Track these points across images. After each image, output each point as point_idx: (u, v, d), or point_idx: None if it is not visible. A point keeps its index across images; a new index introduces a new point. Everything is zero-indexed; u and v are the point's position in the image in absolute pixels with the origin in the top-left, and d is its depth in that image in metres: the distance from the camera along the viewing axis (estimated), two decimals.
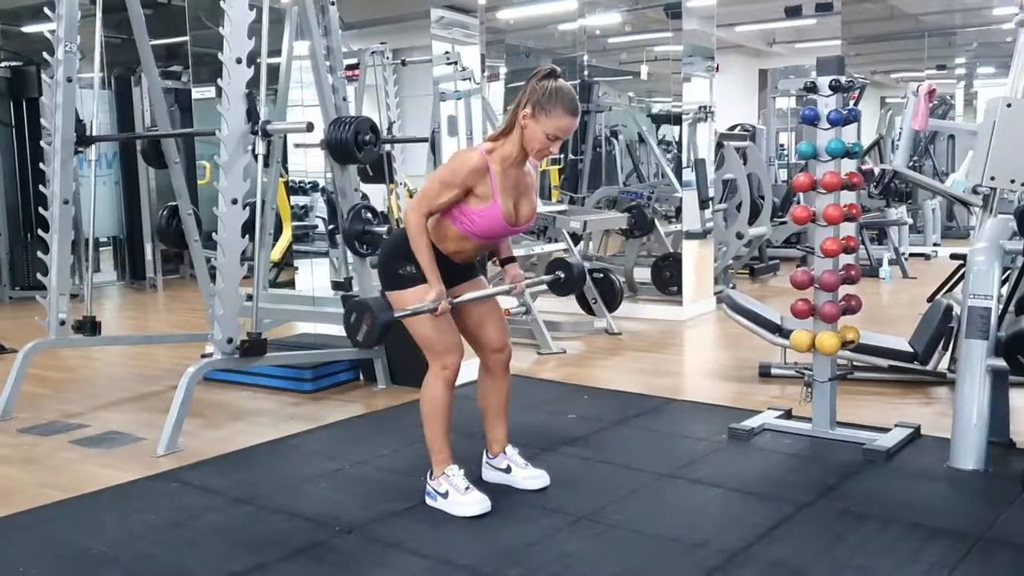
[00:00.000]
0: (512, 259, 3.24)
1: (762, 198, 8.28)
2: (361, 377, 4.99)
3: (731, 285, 7.84)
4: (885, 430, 3.71)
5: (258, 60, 4.09)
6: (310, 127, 4.12)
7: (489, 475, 3.28)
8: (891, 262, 8.73)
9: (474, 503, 3.00)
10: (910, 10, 12.55)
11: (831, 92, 3.58)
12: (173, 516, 3.08)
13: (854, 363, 4.72)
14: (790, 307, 3.69)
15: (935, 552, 2.66)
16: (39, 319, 4.61)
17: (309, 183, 7.83)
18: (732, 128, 9.14)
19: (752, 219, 7.87)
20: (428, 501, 3.09)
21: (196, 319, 7.42)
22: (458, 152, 3.00)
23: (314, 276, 7.06)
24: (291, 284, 7.49)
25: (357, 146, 4.34)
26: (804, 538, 2.78)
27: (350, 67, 7.34)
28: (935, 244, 10.89)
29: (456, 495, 3.02)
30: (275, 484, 3.37)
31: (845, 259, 3.74)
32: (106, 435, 4.10)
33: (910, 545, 2.72)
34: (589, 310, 6.33)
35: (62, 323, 4.55)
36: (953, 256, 6.69)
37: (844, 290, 3.66)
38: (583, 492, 3.21)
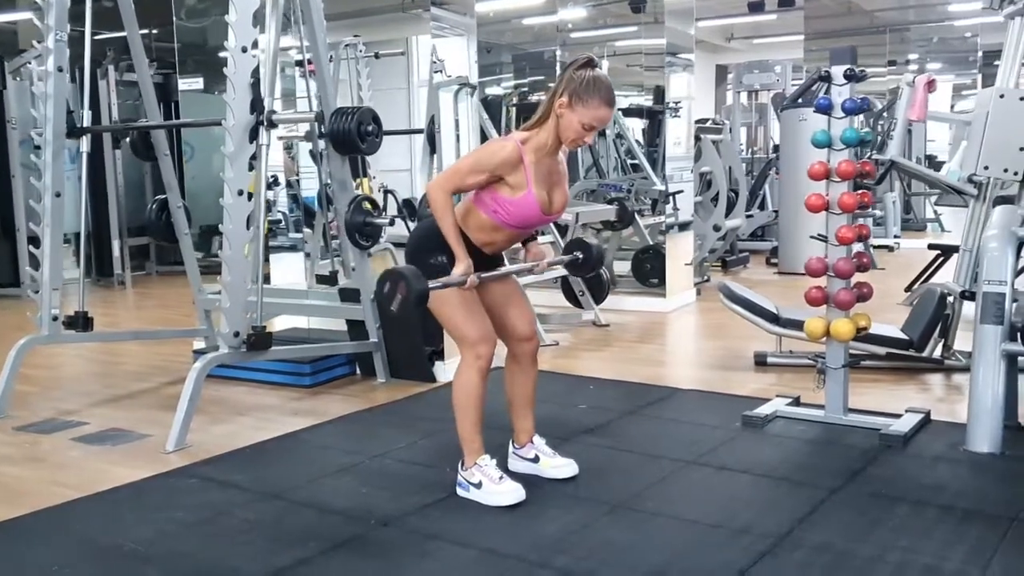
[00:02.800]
0: (533, 237, 3.22)
1: (734, 191, 8.38)
2: (358, 371, 4.93)
3: (706, 278, 7.92)
4: (895, 416, 3.76)
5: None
6: (319, 117, 4.05)
7: (516, 465, 3.26)
8: None
9: (509, 492, 2.98)
10: (867, 7, 12.79)
11: (845, 81, 3.62)
12: (200, 512, 3.00)
13: (850, 351, 4.79)
14: (804, 295, 3.74)
15: (973, 534, 2.70)
16: (30, 314, 4.48)
17: (271, 177, 7.70)
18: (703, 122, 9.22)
19: (727, 212, 7.95)
20: (460, 492, 3.06)
21: (171, 315, 7.31)
22: (494, 140, 2.98)
23: (290, 270, 6.95)
24: (266, 278, 7.36)
25: (360, 136, 4.28)
26: (843, 522, 2.81)
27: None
28: (895, 236, 11.11)
29: (490, 485, 2.99)
30: (297, 478, 3.31)
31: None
32: (108, 432, 3.99)
33: (947, 527, 2.76)
34: (576, 303, 6.34)
35: (54, 319, 4.42)
36: (931, 247, 6.86)
37: (855, 277, 3.72)
38: (612, 480, 3.21)
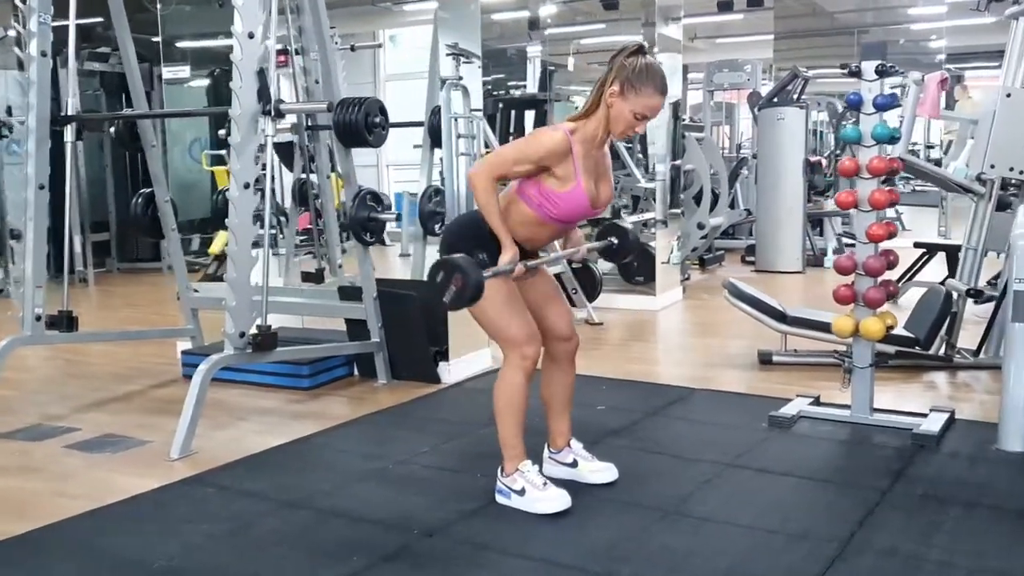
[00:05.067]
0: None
1: (714, 190, 8.35)
2: (356, 372, 4.76)
3: (686, 276, 7.88)
4: (920, 415, 3.72)
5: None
6: (331, 107, 3.89)
7: (552, 470, 3.13)
8: (835, 251, 8.93)
9: (554, 499, 2.85)
10: (830, 8, 12.90)
11: (877, 76, 3.56)
12: (226, 523, 2.83)
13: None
14: (833, 293, 3.68)
15: None
16: (11, 313, 4.24)
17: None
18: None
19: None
20: (500, 499, 2.93)
21: (141, 314, 7.07)
22: (542, 128, 2.86)
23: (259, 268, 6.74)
24: None
25: (367, 128, 4.12)
26: (901, 525, 2.74)
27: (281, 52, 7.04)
28: None
29: (534, 491, 2.87)
30: (321, 486, 3.14)
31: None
32: (104, 438, 3.78)
33: (1005, 529, 2.71)
34: (569, 300, 6.22)
35: (38, 318, 4.18)
36: (916, 245, 6.89)
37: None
38: (653, 485, 3.11)
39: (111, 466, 3.46)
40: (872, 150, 3.58)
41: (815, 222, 9.60)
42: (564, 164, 2.77)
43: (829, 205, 9.80)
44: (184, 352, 4.87)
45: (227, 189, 5.04)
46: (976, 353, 4.71)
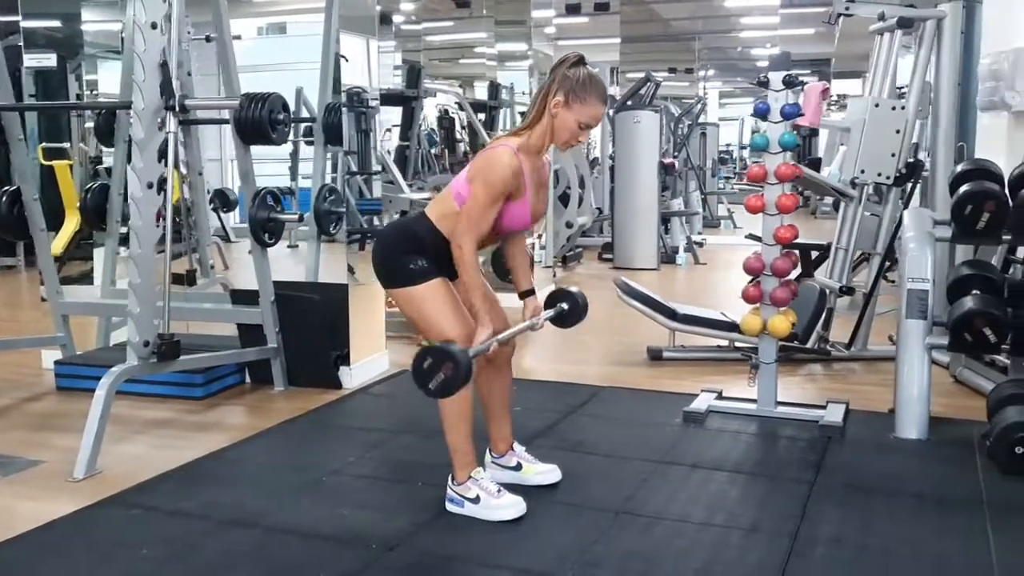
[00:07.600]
0: (531, 292, 3.09)
1: (581, 187, 8.55)
2: (248, 379, 4.56)
3: (553, 274, 8.01)
4: (818, 407, 3.94)
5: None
6: (243, 104, 3.70)
7: (495, 475, 3.09)
8: (685, 249, 9.32)
9: (510, 506, 2.84)
10: (665, 15, 13.43)
11: (783, 87, 3.73)
12: (167, 547, 2.66)
13: (736, 344, 5.01)
14: (742, 292, 3.83)
15: (960, 522, 2.84)
16: None
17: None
18: None
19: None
20: (452, 508, 2.89)
21: None
22: (490, 156, 2.78)
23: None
24: (87, 279, 6.65)
25: (271, 125, 3.95)
26: (837, 515, 2.88)
27: None
28: (698, 232, 11.75)
29: (489, 499, 2.85)
30: (258, 502, 2.99)
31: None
32: None
33: (930, 515, 2.90)
34: None
35: None
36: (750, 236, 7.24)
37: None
38: (595, 485, 3.15)
39: (7, 490, 3.17)
40: (778, 157, 3.75)
41: (663, 221, 9.97)
42: (518, 184, 2.77)
43: (675, 205, 10.22)
44: (57, 362, 4.52)
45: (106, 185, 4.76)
46: (848, 346, 5.04)
